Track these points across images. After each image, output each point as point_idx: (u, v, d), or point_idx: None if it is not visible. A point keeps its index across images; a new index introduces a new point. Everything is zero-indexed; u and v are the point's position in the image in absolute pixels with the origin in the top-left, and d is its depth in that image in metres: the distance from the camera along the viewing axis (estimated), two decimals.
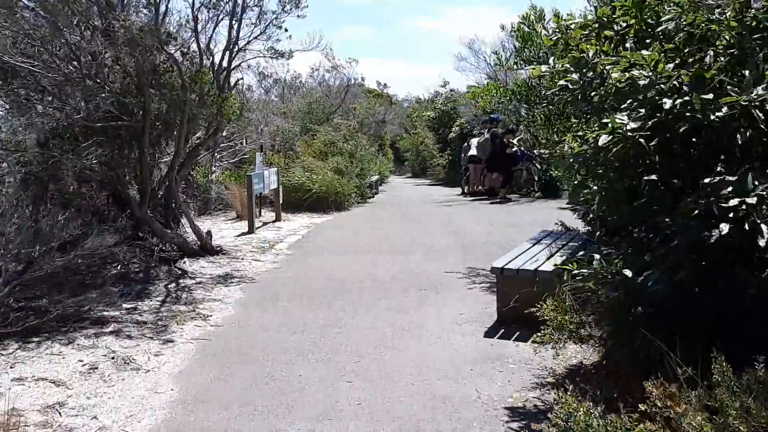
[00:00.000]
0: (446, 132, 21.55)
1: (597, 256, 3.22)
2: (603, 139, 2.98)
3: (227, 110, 6.47)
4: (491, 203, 13.41)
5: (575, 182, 3.90)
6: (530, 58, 5.94)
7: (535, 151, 14.28)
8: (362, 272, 6.67)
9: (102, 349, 4.39)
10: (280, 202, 11.13)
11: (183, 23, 6.90)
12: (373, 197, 15.68)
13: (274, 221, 10.97)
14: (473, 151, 14.91)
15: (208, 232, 7.74)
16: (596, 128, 3.22)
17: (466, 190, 15.51)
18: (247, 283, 6.39)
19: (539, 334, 3.67)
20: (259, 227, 10.16)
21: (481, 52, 18.05)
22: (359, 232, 9.59)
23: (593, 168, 3.33)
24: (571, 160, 3.50)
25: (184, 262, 7.02)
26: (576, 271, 3.27)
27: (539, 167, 14.07)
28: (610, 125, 2.99)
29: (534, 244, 5.56)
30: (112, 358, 4.26)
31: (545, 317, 3.67)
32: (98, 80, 6.03)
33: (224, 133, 13.14)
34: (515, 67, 6.49)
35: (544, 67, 3.78)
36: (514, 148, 13.91)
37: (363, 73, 38.50)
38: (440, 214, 11.69)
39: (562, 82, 3.49)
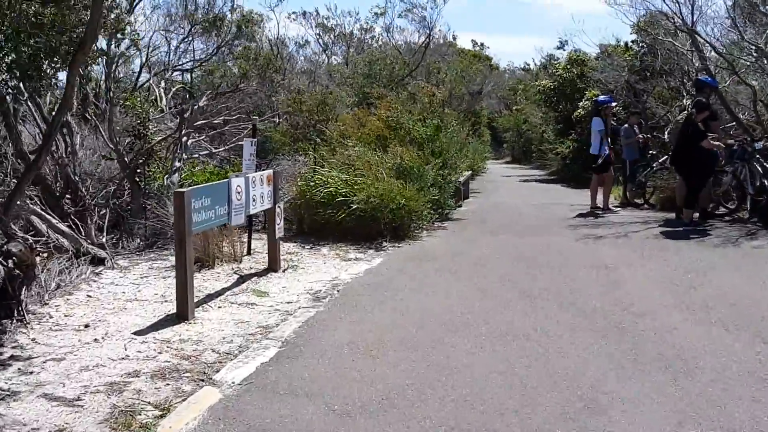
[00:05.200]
0: (569, 108, 15.30)
1: None
2: None
3: None
4: (676, 238, 7.33)
5: None
6: None
7: (758, 144, 8.12)
8: None
9: None
10: (277, 236, 5.68)
11: None
12: (462, 206, 10.00)
13: (264, 272, 5.60)
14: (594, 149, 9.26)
15: None
16: None
17: (625, 200, 9.92)
18: None
19: None
20: (219, 294, 4.80)
21: None
22: (432, 342, 3.98)
23: None
24: None
25: None
26: None
27: (762, 170, 7.74)
28: None
29: None
30: None
31: None
32: None
33: (203, 103, 7.87)
34: None
35: None
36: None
37: (454, 31, 32.39)
38: (596, 269, 5.76)
39: None
